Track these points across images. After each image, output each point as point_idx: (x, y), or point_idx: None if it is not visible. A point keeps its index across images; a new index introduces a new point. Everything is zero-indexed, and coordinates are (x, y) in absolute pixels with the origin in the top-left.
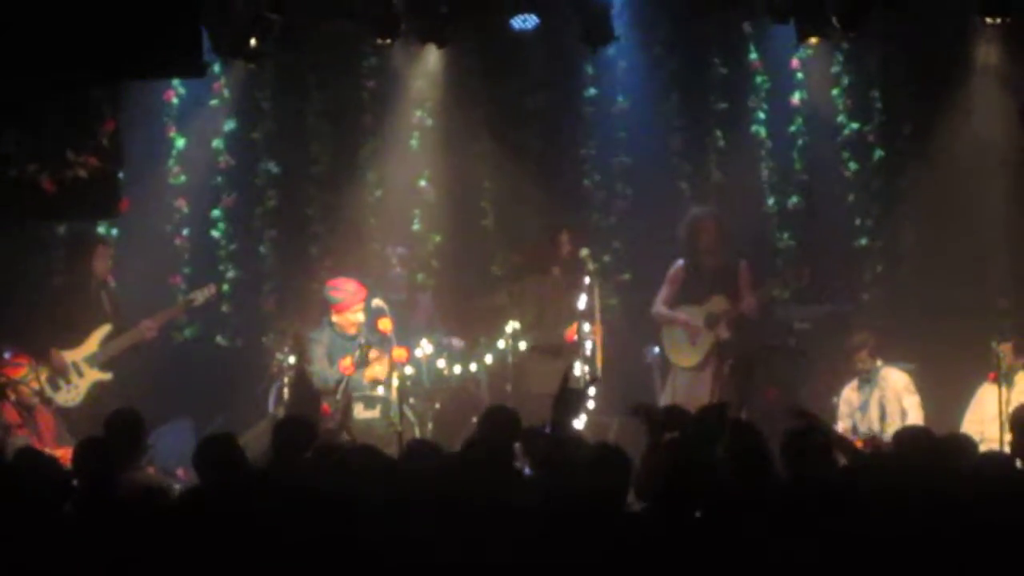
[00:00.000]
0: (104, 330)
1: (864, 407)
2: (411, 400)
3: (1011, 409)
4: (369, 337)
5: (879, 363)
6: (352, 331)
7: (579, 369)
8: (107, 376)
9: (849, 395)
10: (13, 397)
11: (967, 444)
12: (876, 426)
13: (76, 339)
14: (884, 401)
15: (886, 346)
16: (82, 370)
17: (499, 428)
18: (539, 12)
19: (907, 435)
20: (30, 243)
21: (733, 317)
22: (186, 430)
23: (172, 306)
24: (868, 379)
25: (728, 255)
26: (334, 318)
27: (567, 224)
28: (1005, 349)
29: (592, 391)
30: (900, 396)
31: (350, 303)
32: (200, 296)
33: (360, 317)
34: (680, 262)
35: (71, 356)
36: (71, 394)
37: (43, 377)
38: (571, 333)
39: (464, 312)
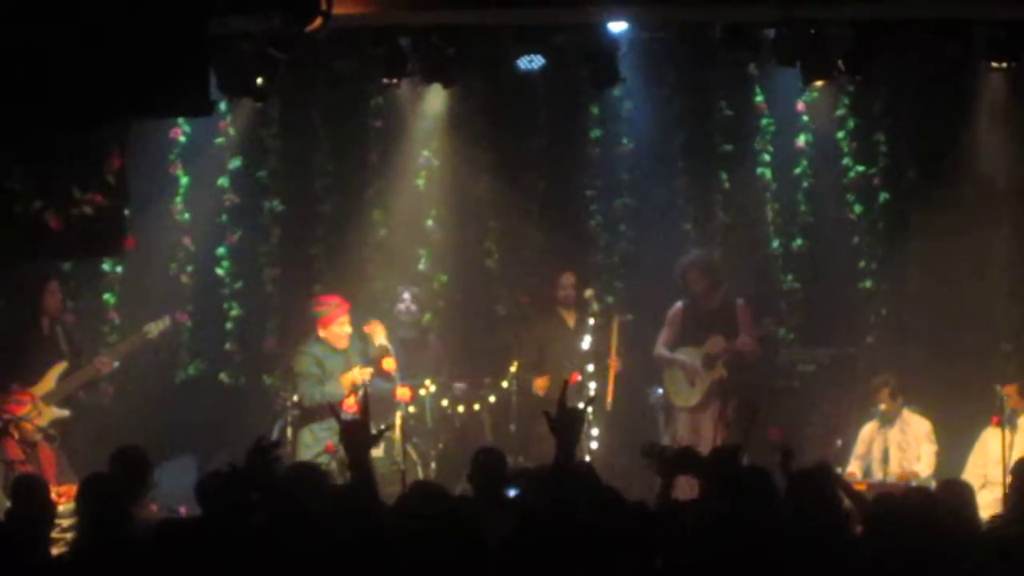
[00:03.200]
0: (60, 367)
1: (884, 451)
2: (415, 439)
3: (1014, 452)
4: (363, 355)
5: (901, 404)
6: (341, 344)
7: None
8: (65, 413)
9: (869, 434)
10: (16, 434)
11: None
12: (896, 469)
13: (32, 377)
14: (904, 444)
15: (906, 389)
16: (40, 408)
17: (487, 470)
18: (545, 53)
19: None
20: None
21: (730, 356)
22: (189, 467)
23: (128, 339)
24: (889, 420)
25: (724, 295)
26: (321, 333)
27: (571, 266)
28: (1009, 392)
29: (589, 410)
30: (920, 442)
31: (334, 315)
32: (155, 328)
33: (347, 329)
34: (679, 304)
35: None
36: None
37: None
38: (575, 374)
39: (469, 352)
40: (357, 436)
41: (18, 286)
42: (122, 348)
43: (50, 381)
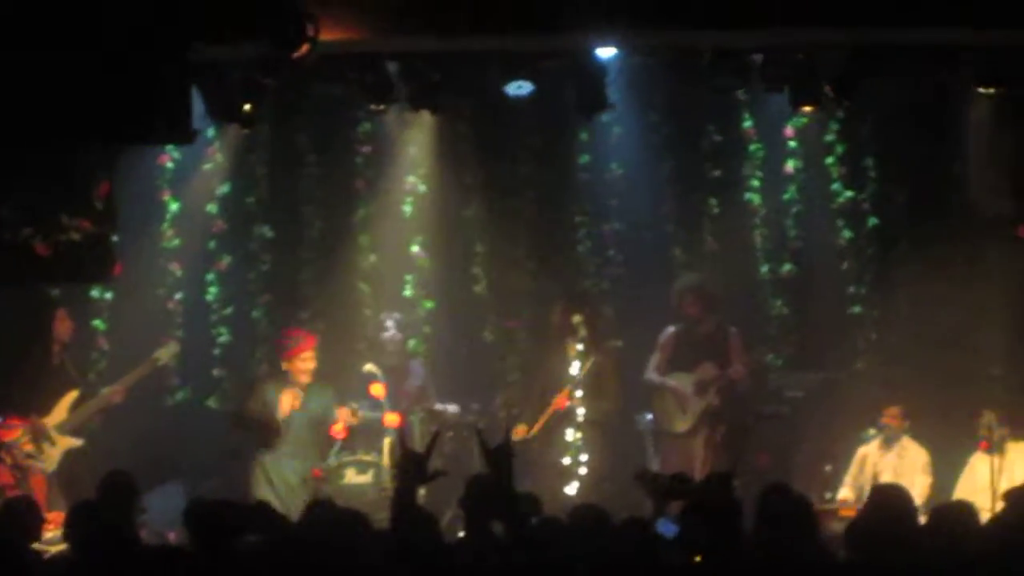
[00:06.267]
0: (72, 396)
1: (875, 476)
2: None
3: (1003, 479)
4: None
5: (907, 428)
6: (304, 379)
7: (571, 435)
8: (79, 443)
9: (869, 452)
10: (8, 460)
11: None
12: None
13: (44, 406)
14: (899, 471)
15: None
16: (54, 438)
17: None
18: (533, 79)
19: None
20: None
21: (722, 383)
22: (177, 494)
23: (136, 368)
24: (889, 441)
25: (717, 322)
26: (284, 366)
27: (557, 291)
28: (997, 418)
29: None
30: (915, 472)
31: (299, 349)
32: (164, 354)
33: (310, 364)
34: (671, 329)
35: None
36: (45, 463)
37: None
38: (561, 399)
39: (456, 378)
40: (412, 470)
41: (28, 313)
42: (132, 377)
43: (63, 411)
